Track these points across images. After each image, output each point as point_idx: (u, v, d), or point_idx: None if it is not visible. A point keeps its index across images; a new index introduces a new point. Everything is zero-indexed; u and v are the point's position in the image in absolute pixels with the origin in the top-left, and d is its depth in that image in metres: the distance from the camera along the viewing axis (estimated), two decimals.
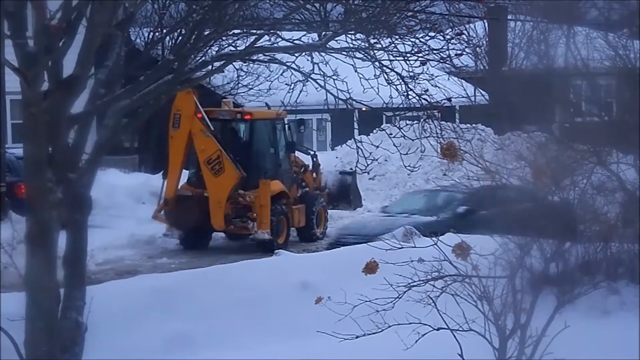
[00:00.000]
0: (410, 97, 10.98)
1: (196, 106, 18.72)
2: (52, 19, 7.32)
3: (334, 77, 10.87)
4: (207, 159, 18.33)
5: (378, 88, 10.85)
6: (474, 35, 27.04)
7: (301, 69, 10.86)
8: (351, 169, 21.61)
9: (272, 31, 10.20)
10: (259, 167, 19.23)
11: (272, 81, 22.09)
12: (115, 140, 9.68)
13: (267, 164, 19.59)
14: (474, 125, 21.98)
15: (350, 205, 22.01)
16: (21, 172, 18.19)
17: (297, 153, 20.92)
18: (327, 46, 10.05)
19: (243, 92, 27.79)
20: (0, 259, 9.64)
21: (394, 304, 8.44)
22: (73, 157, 7.91)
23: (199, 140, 18.48)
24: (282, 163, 19.88)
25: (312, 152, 21.39)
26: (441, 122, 11.72)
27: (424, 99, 11.06)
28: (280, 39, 10.39)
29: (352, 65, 10.62)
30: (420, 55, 10.72)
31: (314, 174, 20.93)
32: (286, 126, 20.28)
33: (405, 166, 12.75)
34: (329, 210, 21.03)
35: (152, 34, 26.34)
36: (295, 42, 10.30)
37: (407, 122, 13.39)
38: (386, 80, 10.81)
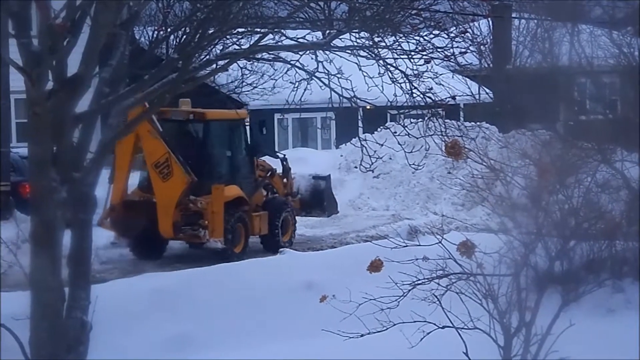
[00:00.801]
0: (414, 95, 10.99)
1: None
2: (56, 18, 7.33)
3: (338, 76, 10.87)
4: (155, 163, 16.90)
5: (382, 86, 10.86)
6: (478, 34, 26.97)
7: (305, 68, 10.87)
8: (329, 174, 20.51)
9: (276, 30, 10.20)
10: (212, 171, 17.76)
11: (276, 79, 22.09)
12: (119, 139, 9.71)
13: (222, 168, 18.11)
14: (478, 123, 21.93)
15: (324, 212, 20.57)
16: (26, 172, 18.22)
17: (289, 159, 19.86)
18: (332, 44, 10.05)
19: (247, 91, 27.80)
20: (1, 258, 9.65)
21: (399, 302, 8.44)
22: (77, 157, 7.91)
23: (146, 143, 17.06)
24: (241, 167, 18.36)
25: (281, 156, 20.02)
26: (445, 120, 11.72)
27: (429, 97, 11.07)
28: (284, 38, 10.40)
29: (356, 63, 10.62)
30: (424, 53, 10.72)
31: (285, 179, 19.60)
32: (247, 128, 19.05)
33: (410, 164, 12.70)
34: (305, 218, 20.03)
35: (156, 32, 26.27)
36: (299, 40, 10.30)
37: (412, 120, 13.39)
38: (390, 78, 10.82)
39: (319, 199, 20.40)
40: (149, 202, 17.06)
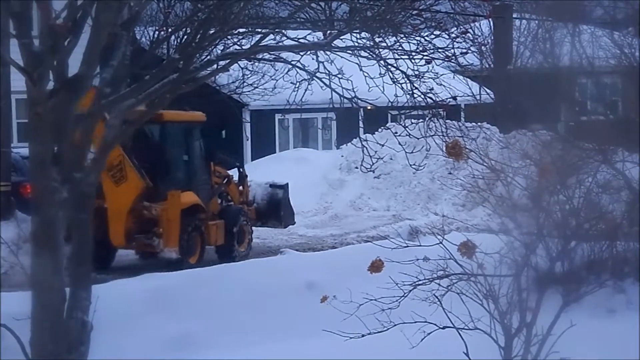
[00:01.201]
0: (415, 95, 10.98)
1: None
2: (57, 19, 7.33)
3: (339, 76, 10.87)
4: (108, 166, 15.49)
5: (383, 87, 10.85)
6: (479, 34, 26.98)
7: (306, 68, 10.86)
8: (287, 183, 19.42)
9: (277, 30, 10.20)
10: (169, 176, 16.70)
11: (277, 80, 22.08)
12: (120, 140, 9.71)
13: (179, 173, 17.05)
14: (479, 123, 21.94)
15: (280, 223, 19.35)
16: (27, 172, 18.16)
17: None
18: (332, 45, 10.05)
19: (248, 91, 27.81)
20: (1, 258, 9.65)
21: (400, 302, 8.44)
22: (78, 157, 7.92)
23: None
24: (198, 172, 17.36)
25: (238, 163, 19.23)
26: (446, 121, 11.72)
27: (429, 97, 11.07)
28: (285, 38, 10.40)
29: (357, 64, 10.62)
30: (425, 53, 10.72)
31: (241, 187, 18.66)
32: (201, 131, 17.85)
33: (411, 165, 12.70)
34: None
35: (157, 32, 26.31)
36: (300, 40, 10.30)
37: (413, 120, 13.38)
38: (391, 78, 10.82)
39: (275, 209, 19.19)
40: (100, 208, 15.38)
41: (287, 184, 19.39)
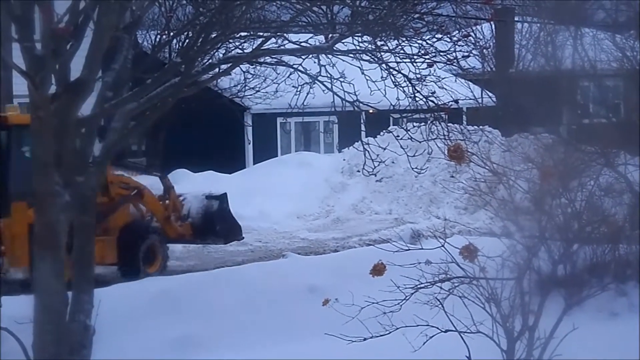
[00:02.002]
0: (417, 99, 10.99)
1: None
2: (59, 22, 7.35)
3: (341, 80, 10.88)
4: None
5: (385, 90, 10.87)
6: (481, 37, 27.01)
7: (308, 71, 10.88)
8: (225, 193, 17.19)
9: (279, 33, 10.22)
10: (16, 186, 14.41)
11: (279, 83, 22.09)
12: (122, 143, 9.72)
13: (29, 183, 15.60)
14: (481, 127, 21.95)
15: (219, 238, 17.04)
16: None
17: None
18: (334, 48, 10.07)
19: (250, 95, 27.82)
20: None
21: (402, 305, 8.43)
22: (80, 160, 7.93)
23: None
24: None
25: (158, 173, 17.18)
26: (448, 124, 11.72)
27: (431, 100, 11.07)
28: (287, 42, 10.41)
29: (359, 67, 10.63)
30: (427, 57, 10.73)
31: (166, 200, 16.61)
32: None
33: (413, 168, 12.70)
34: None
35: (159, 36, 26.36)
36: (302, 44, 10.31)
37: (414, 124, 13.39)
38: (393, 82, 10.83)
39: (210, 223, 16.78)
40: None
41: (224, 194, 17.13)
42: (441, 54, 10.92)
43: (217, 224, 16.85)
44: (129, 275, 14.97)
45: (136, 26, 8.91)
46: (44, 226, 7.61)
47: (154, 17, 27.30)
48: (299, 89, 11.73)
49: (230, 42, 11.38)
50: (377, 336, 8.49)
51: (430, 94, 11.01)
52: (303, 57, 10.64)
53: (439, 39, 10.99)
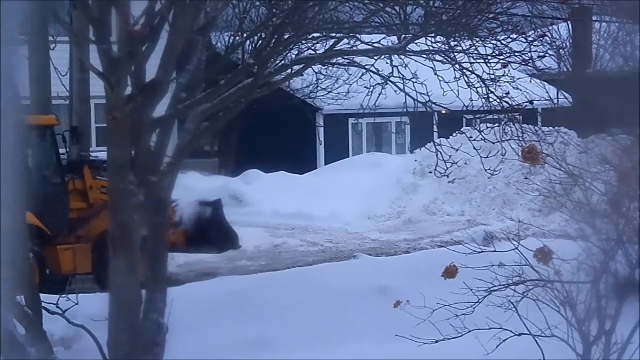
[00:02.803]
0: (491, 99, 10.88)
1: None
2: (135, 24, 7.44)
3: (413, 80, 10.82)
4: None
5: (458, 91, 10.77)
6: (557, 37, 26.64)
7: (380, 72, 10.84)
8: (219, 199, 16.22)
9: (351, 34, 10.20)
10: None
11: (351, 84, 22.07)
12: (195, 144, 9.82)
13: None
14: (556, 128, 21.65)
15: (213, 247, 15.82)
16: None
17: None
18: (407, 49, 10.02)
19: (322, 95, 27.88)
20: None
21: (474, 308, 8.35)
22: (155, 160, 8.02)
23: None
24: (42, 187, 13.94)
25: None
26: (522, 125, 11.58)
27: (505, 101, 10.95)
28: (359, 42, 10.39)
29: (431, 67, 10.56)
30: (501, 57, 10.62)
31: None
32: (56, 135, 14.75)
33: (486, 169, 12.58)
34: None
35: (232, 38, 26.64)
36: (374, 45, 10.28)
37: (488, 125, 13.24)
38: (466, 82, 10.74)
39: (203, 230, 15.59)
40: None
41: (219, 199, 16.10)
42: (516, 54, 10.80)
43: (210, 232, 15.63)
44: (103, 285, 12.89)
45: (210, 28, 8.99)
46: (119, 226, 7.71)
47: (228, 19, 27.56)
48: (370, 90, 11.70)
49: (303, 43, 11.41)
50: (449, 339, 8.42)
51: (504, 95, 10.89)
52: (375, 57, 10.61)
53: (513, 39, 10.87)
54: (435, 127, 13.68)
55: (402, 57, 10.75)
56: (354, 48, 10.27)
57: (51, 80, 17.58)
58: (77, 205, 14.66)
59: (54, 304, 9.12)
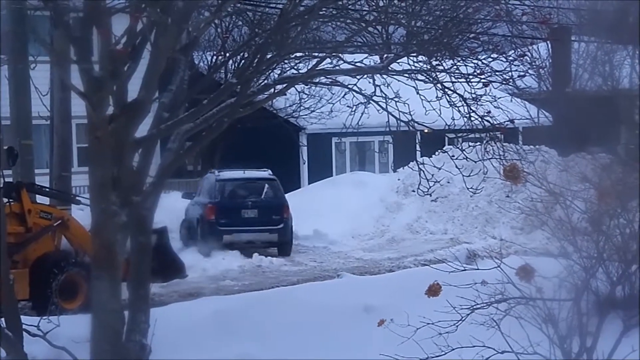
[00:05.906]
0: (472, 118, 10.94)
1: None
2: (117, 44, 7.45)
3: (396, 99, 10.86)
4: None
5: (440, 110, 10.82)
6: (537, 57, 26.83)
7: (363, 91, 10.88)
8: (165, 227, 15.41)
9: (334, 54, 10.25)
10: None
11: (334, 103, 22.17)
12: (179, 163, 9.82)
13: None
14: (537, 146, 21.77)
15: (157, 277, 14.09)
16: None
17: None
18: (389, 68, 10.07)
19: (305, 115, 27.94)
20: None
21: (457, 326, 8.37)
22: (137, 181, 8.01)
23: None
24: None
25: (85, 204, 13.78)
26: (504, 144, 11.64)
27: (487, 120, 11.01)
28: (342, 62, 10.44)
29: (414, 87, 10.61)
30: (482, 76, 10.68)
31: None
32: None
33: (468, 188, 12.62)
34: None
35: (215, 57, 26.70)
36: (357, 64, 10.33)
37: (470, 143, 13.30)
38: (448, 102, 10.78)
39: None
40: None
41: (164, 227, 15.41)
42: (497, 73, 10.87)
43: (155, 261, 14.67)
44: (41, 311, 12.65)
45: (192, 47, 9.00)
46: (101, 246, 7.70)
47: (210, 39, 27.59)
48: (353, 109, 11.74)
49: (286, 63, 11.45)
50: (433, 357, 8.43)
51: (485, 114, 10.95)
52: (358, 77, 10.65)
53: (494, 59, 10.94)
54: (417, 146, 13.72)
55: (385, 76, 10.79)
56: (337, 67, 10.31)
57: (32, 100, 17.55)
58: (14, 230, 13.88)
59: (35, 326, 9.06)
